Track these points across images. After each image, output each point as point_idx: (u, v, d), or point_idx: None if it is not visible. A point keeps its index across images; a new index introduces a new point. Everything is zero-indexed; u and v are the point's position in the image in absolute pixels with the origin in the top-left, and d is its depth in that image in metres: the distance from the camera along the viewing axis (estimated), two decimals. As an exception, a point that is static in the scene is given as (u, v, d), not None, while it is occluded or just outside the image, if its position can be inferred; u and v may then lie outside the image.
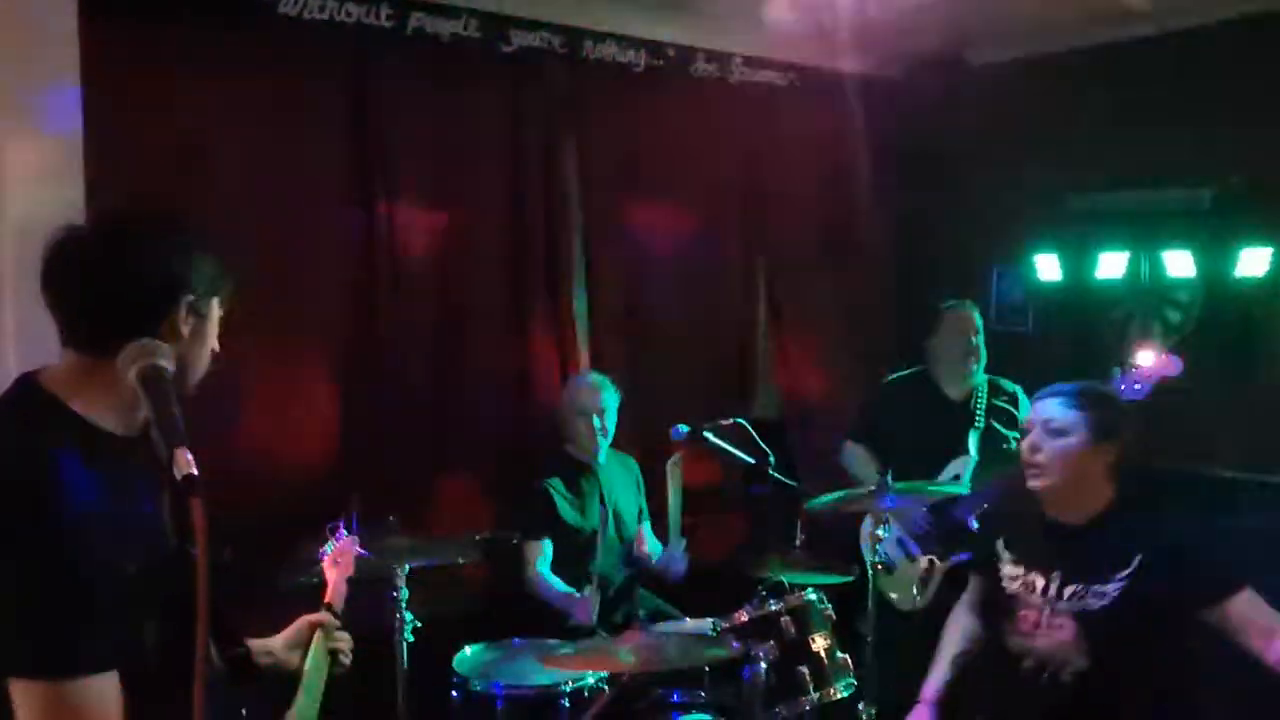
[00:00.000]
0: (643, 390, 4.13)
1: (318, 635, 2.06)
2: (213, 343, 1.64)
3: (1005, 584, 2.66)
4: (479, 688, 3.13)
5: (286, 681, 2.02)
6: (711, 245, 4.68)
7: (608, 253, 4.37)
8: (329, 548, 2.41)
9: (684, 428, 3.81)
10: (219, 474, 1.30)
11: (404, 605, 3.02)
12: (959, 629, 2.90)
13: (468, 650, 3.34)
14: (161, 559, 1.38)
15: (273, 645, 2.05)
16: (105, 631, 1.40)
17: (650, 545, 4.04)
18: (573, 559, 3.77)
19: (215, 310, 1.63)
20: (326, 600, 2.23)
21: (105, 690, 1.39)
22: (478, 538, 3.60)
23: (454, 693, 3.18)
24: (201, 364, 1.62)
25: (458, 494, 3.92)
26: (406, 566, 3.00)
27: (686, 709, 3.22)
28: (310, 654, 2.04)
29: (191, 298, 1.55)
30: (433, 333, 3.92)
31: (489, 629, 3.49)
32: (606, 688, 3.13)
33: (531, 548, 3.74)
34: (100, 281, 1.51)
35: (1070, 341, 4.67)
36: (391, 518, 3.03)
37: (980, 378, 4.02)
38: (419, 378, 3.89)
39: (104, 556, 1.40)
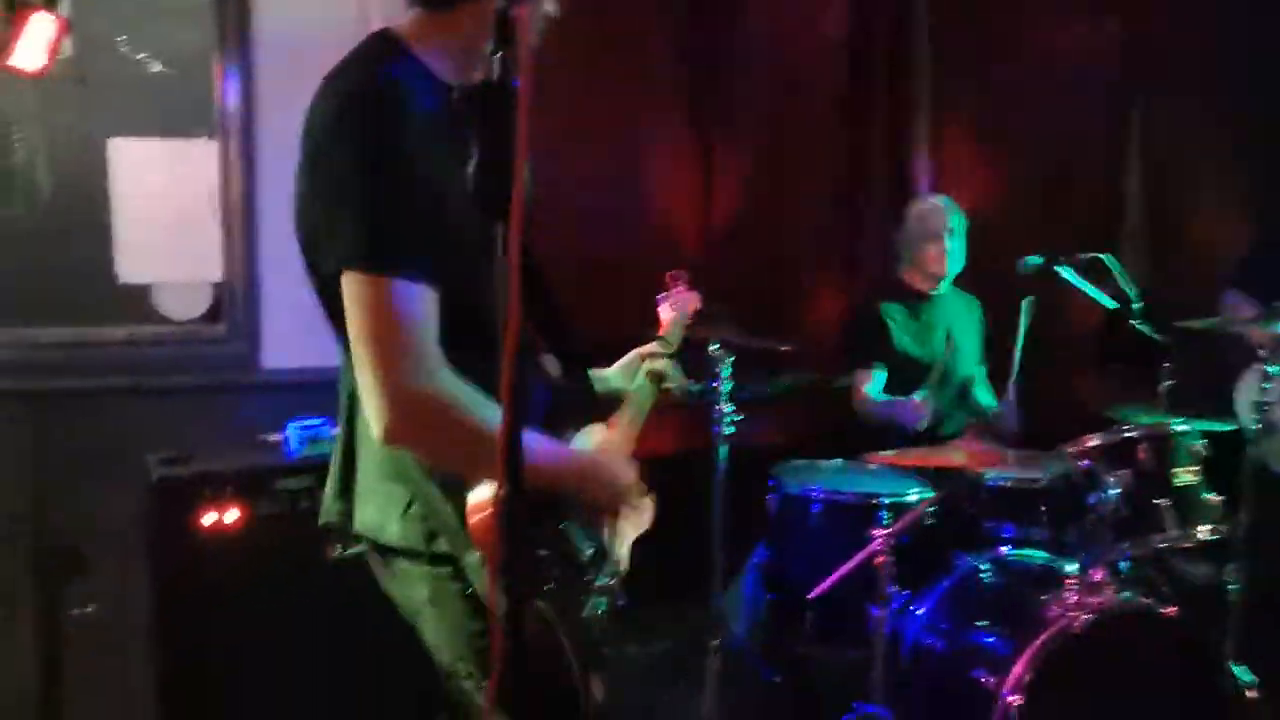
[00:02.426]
0: (991, 220, 3.78)
1: (646, 363, 2.07)
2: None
3: None
4: (795, 491, 3.06)
5: (614, 404, 2.04)
6: (1081, 73, 4.18)
7: (960, 70, 4.01)
8: (672, 296, 2.38)
9: (1036, 260, 3.46)
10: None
11: (725, 397, 3.00)
12: None
13: (786, 463, 3.26)
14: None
15: (605, 373, 2.09)
16: (431, 243, 1.44)
17: (984, 396, 3.75)
18: (906, 391, 3.57)
19: None
20: (660, 334, 2.22)
21: (426, 299, 1.43)
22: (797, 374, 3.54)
23: (769, 496, 3.14)
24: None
25: (784, 310, 3.80)
26: (731, 357, 2.98)
27: (1019, 544, 2.97)
28: (636, 380, 2.05)
29: None
30: (768, 152, 3.80)
31: (809, 452, 3.40)
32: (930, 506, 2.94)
33: (862, 375, 3.57)
34: None
35: None
36: (720, 307, 2.97)
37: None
38: (758, 187, 3.79)
39: (437, 175, 1.43)
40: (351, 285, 1.43)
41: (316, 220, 1.49)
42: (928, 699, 2.74)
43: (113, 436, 2.61)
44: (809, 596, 2.73)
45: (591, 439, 1.80)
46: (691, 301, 2.39)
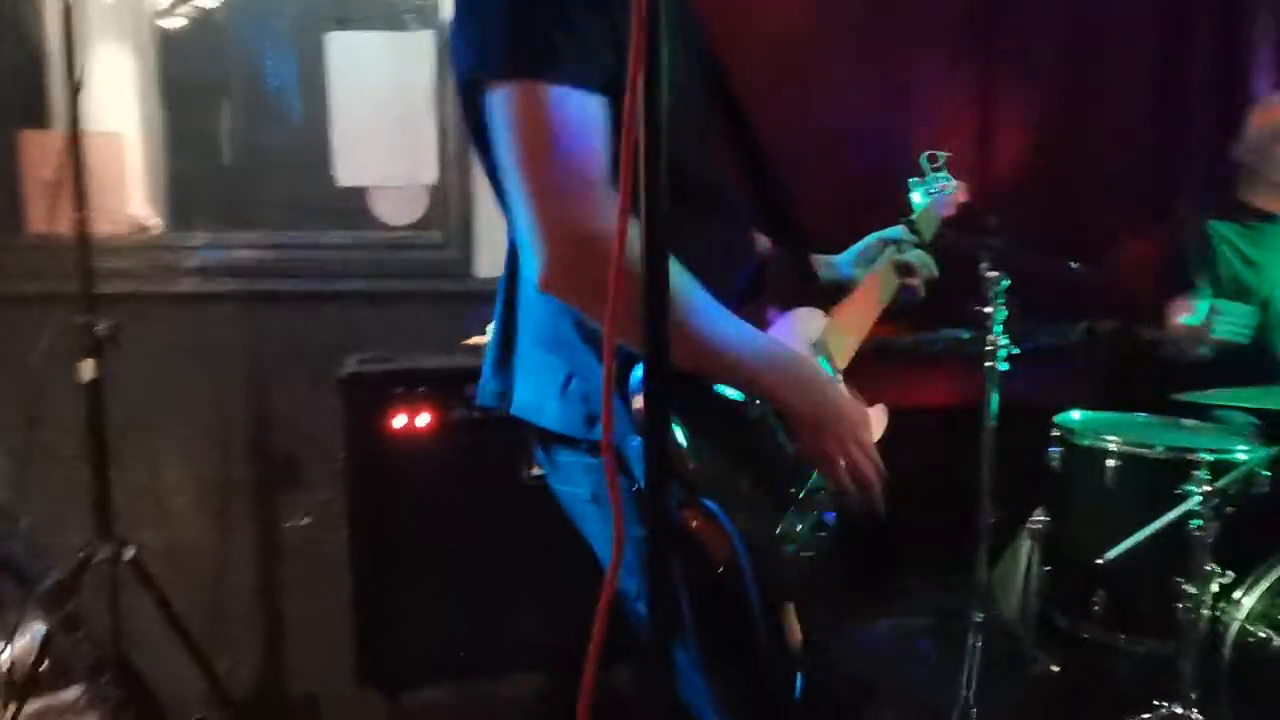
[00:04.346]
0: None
1: (890, 251, 1.69)
2: None
3: None
4: (1087, 443, 2.54)
5: (841, 294, 1.67)
6: None
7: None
8: (927, 181, 1.96)
9: None
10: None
11: (999, 326, 2.51)
12: None
13: (1075, 414, 2.73)
14: None
15: (837, 258, 1.72)
16: (605, 45, 1.15)
17: None
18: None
19: None
20: (911, 222, 1.81)
21: (594, 110, 1.14)
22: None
23: (1052, 449, 2.63)
24: None
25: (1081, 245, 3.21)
26: (1004, 282, 2.50)
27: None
28: (876, 269, 1.66)
29: None
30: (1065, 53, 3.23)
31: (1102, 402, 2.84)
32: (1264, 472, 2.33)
33: (1179, 305, 2.92)
34: None
35: None
36: (994, 215, 2.49)
37: None
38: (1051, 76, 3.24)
39: None
40: (499, 100, 1.14)
41: (461, 40, 1.22)
42: (1260, 705, 2.17)
43: (325, 342, 2.52)
44: (1099, 563, 2.21)
45: (804, 327, 1.43)
46: (953, 189, 1.96)
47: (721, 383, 1.23)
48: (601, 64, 1.15)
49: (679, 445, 1.18)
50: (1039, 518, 2.67)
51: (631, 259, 1.13)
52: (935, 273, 1.72)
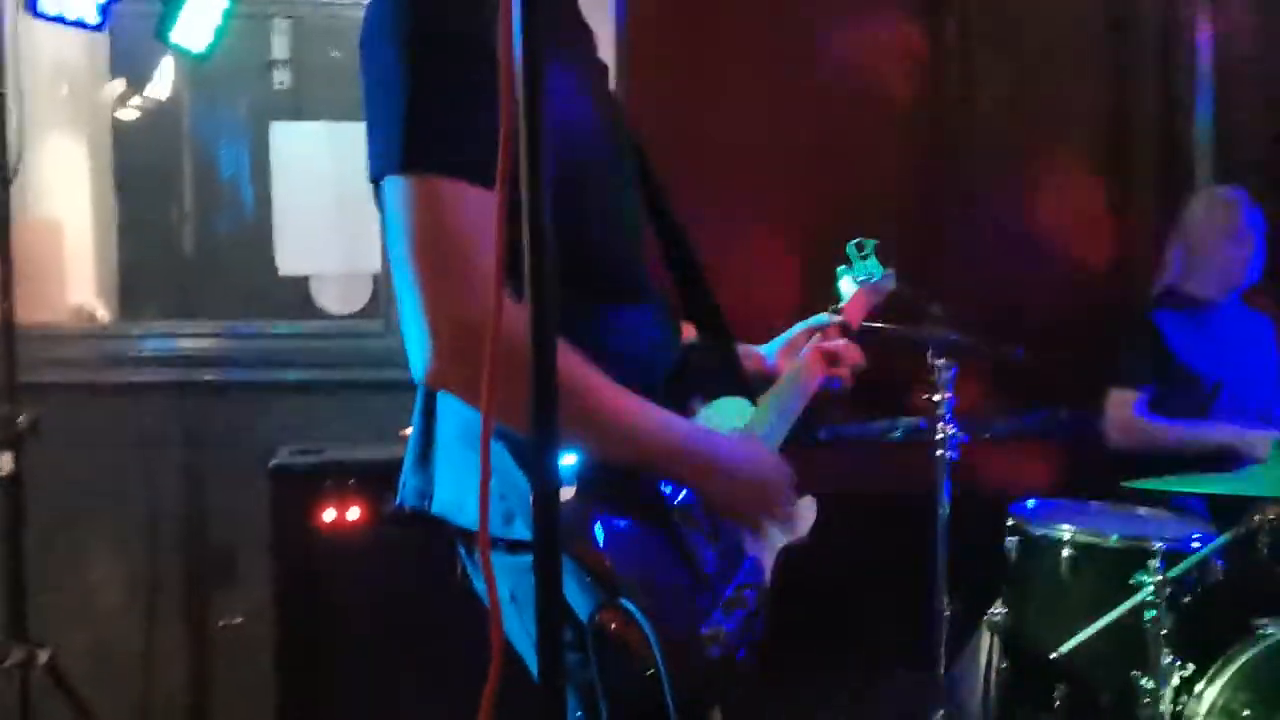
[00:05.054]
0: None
1: (816, 340, 1.67)
2: None
3: None
4: (1041, 533, 2.49)
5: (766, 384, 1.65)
6: None
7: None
8: (856, 269, 1.95)
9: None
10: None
11: (948, 413, 2.49)
12: None
13: (1029, 502, 2.70)
14: None
15: (761, 349, 1.71)
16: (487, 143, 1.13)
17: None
18: (1183, 416, 2.91)
19: None
20: (838, 310, 1.80)
21: (482, 205, 1.11)
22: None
23: (1007, 540, 2.58)
24: None
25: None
26: (952, 369, 2.49)
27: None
28: (802, 359, 1.64)
29: None
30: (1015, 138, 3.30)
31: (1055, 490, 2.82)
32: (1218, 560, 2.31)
33: (1121, 397, 2.93)
34: None
35: None
36: (936, 304, 2.50)
37: None
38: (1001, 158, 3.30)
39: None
40: (392, 192, 1.13)
41: (369, 137, 1.21)
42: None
43: (264, 433, 2.47)
44: (1053, 657, 2.16)
45: (728, 417, 1.40)
46: (880, 277, 1.95)
47: (632, 469, 1.20)
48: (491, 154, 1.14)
49: (597, 544, 1.14)
50: (997, 610, 2.62)
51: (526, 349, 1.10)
52: (862, 361, 1.70)
